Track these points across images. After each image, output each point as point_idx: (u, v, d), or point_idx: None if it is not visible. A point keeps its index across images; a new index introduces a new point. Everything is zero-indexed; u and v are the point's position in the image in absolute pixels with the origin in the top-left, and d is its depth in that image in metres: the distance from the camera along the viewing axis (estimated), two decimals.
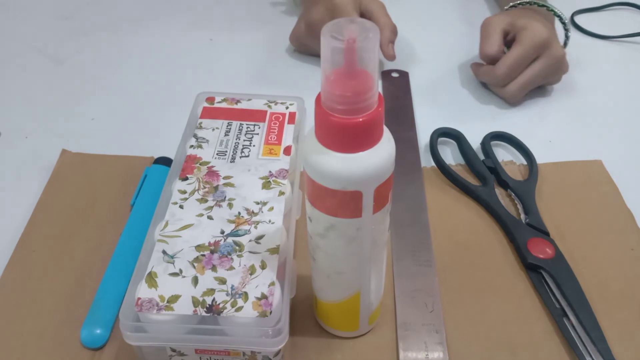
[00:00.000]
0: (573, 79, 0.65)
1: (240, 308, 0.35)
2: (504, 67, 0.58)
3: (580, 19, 0.74)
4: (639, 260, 0.46)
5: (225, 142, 0.46)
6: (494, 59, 0.60)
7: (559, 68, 0.60)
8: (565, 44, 0.64)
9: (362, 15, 0.64)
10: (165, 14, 0.76)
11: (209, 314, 0.35)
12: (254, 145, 0.45)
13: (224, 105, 0.49)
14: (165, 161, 0.51)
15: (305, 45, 0.67)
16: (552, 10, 0.63)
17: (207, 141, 0.46)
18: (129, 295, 0.36)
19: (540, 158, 0.53)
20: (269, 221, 0.40)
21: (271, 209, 0.41)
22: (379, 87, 0.30)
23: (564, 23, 0.63)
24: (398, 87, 0.63)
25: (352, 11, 0.62)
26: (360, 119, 0.29)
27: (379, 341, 0.40)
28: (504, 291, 0.44)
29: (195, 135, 0.46)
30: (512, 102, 0.61)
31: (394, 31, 0.64)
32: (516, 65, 0.58)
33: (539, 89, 0.64)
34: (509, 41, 0.61)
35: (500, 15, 0.62)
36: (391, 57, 0.64)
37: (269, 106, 0.49)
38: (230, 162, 0.44)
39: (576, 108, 0.62)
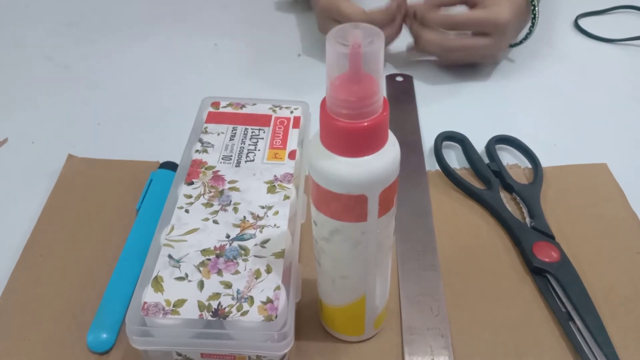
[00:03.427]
0: (577, 82, 0.65)
1: (245, 312, 0.35)
2: (442, 16, 0.58)
3: (584, 23, 0.74)
4: None
5: (231, 147, 0.46)
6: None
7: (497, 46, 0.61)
8: (530, 30, 0.64)
9: None
10: (170, 20, 0.77)
11: (214, 318, 0.35)
12: (259, 150, 0.46)
13: (229, 110, 0.49)
14: (170, 166, 0.51)
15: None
16: None
17: (213, 146, 0.46)
18: (135, 300, 0.36)
19: (545, 161, 0.53)
20: (274, 225, 0.40)
21: (276, 213, 0.41)
22: (384, 91, 0.30)
23: (533, 7, 0.63)
24: (402, 91, 0.63)
25: None
26: (365, 124, 0.29)
27: (385, 345, 0.40)
28: (509, 295, 0.44)
29: (200, 140, 0.46)
30: (422, 49, 0.62)
31: None
32: (456, 22, 0.59)
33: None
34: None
35: None
36: None
37: (274, 111, 0.49)
38: (236, 166, 0.44)
39: (581, 111, 0.61)
